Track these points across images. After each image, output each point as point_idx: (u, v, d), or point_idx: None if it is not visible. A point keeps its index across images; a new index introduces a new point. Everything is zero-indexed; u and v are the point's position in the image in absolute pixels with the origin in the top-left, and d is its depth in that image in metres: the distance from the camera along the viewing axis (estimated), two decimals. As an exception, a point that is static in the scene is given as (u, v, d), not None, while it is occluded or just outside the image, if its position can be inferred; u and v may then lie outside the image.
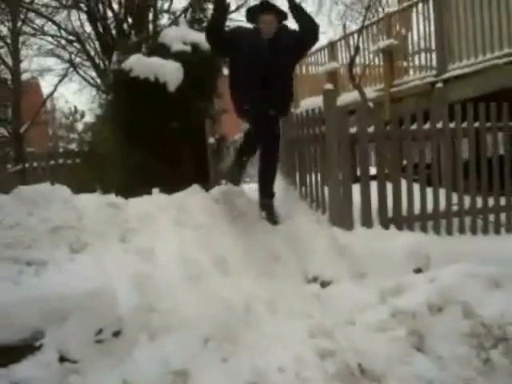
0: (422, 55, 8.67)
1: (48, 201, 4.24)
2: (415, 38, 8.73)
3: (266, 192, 5.26)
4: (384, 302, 3.98)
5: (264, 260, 4.57)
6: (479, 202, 5.59)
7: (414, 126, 5.37)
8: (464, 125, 5.52)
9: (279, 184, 5.65)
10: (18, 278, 3.58)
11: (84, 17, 13.73)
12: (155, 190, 4.95)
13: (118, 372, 3.35)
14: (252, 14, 5.09)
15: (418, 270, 4.65)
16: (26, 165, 10.35)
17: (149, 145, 5.98)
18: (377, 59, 9.02)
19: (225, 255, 4.35)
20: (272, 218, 5.16)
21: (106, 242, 4.12)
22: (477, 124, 5.57)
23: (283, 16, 5.08)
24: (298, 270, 4.76)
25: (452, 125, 5.45)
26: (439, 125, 5.38)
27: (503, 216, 5.71)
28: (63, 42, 15.03)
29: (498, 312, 3.71)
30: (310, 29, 5.01)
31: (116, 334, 3.50)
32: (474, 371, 3.61)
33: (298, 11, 5.03)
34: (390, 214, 5.20)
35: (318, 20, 5.12)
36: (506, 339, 3.64)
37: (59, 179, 4.65)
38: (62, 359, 3.32)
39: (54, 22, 13.86)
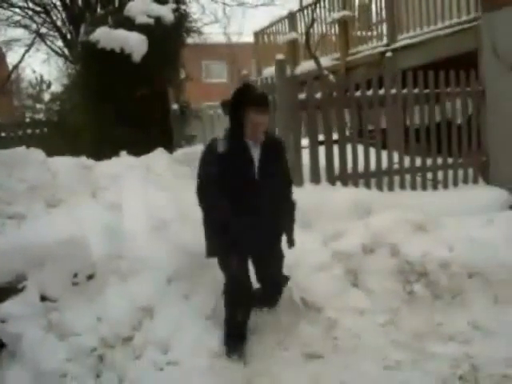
0: (378, 26, 9.15)
1: (25, 163, 4.66)
2: (373, 9, 9.22)
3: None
4: (325, 246, 4.55)
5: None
6: (418, 161, 6.18)
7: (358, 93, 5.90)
8: (404, 91, 6.07)
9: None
10: (1, 230, 4.04)
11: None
12: (123, 153, 5.38)
13: (92, 309, 3.80)
14: (239, 106, 3.64)
15: (361, 221, 5.21)
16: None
17: (116, 111, 6.37)
18: (333, 30, 9.48)
19: (186, 209, 4.79)
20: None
21: (78, 198, 4.57)
22: (416, 90, 6.11)
23: None
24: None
25: (393, 91, 5.99)
26: (381, 91, 5.92)
27: (440, 174, 6.31)
28: (30, 12, 15.10)
29: (421, 252, 4.33)
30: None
31: (90, 277, 3.95)
32: (400, 302, 4.24)
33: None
34: (337, 172, 5.75)
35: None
36: (427, 274, 4.27)
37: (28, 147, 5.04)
38: (43, 299, 3.77)
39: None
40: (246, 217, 3.59)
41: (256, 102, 3.62)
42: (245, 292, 3.73)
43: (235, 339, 3.76)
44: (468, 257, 4.35)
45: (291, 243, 3.94)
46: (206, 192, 3.65)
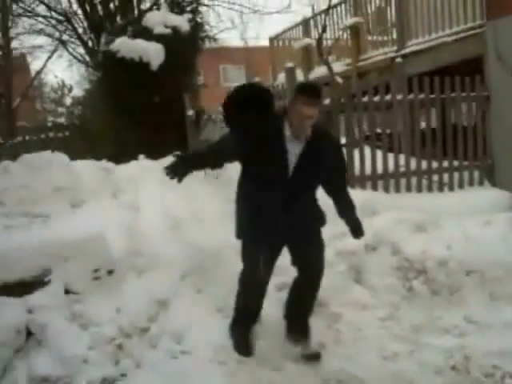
0: (388, 32, 9.36)
1: (49, 166, 4.99)
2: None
3: (301, 326, 3.86)
4: (330, 245, 4.78)
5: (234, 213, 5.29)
6: (424, 164, 6.39)
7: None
8: (411, 96, 6.31)
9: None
10: (29, 228, 4.36)
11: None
12: (141, 156, 5.69)
13: (112, 302, 4.06)
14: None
15: (367, 222, 5.44)
16: (19, 138, 10.81)
17: (135, 117, 6.72)
18: (345, 35, 9.71)
19: (201, 209, 5.09)
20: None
21: (99, 198, 4.88)
22: (422, 96, 6.34)
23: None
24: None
25: (399, 97, 6.23)
26: (387, 97, 6.16)
27: (446, 176, 6.52)
28: (53, 21, 15.63)
29: (420, 250, 4.57)
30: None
31: (110, 272, 4.22)
32: (399, 297, 4.49)
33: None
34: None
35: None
36: (426, 271, 4.51)
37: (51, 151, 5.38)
38: (67, 292, 4.05)
39: (43, 3, 14.50)
40: (273, 212, 3.43)
41: (306, 91, 3.31)
42: (259, 285, 3.71)
43: (242, 332, 3.81)
44: (465, 255, 4.58)
45: (356, 234, 3.80)
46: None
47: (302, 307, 3.88)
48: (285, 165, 3.39)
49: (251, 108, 3.43)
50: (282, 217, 3.45)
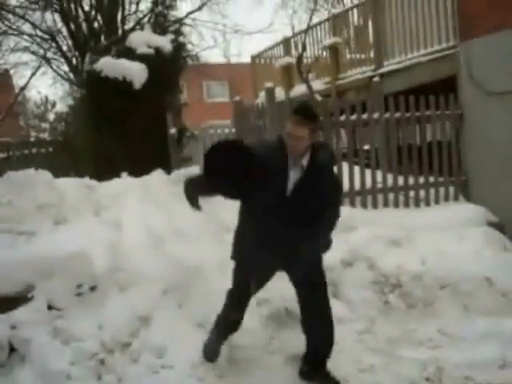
0: (366, 51, 9.56)
1: (34, 183, 5.06)
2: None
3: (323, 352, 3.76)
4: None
5: (215, 230, 5.39)
6: (401, 180, 6.55)
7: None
8: (387, 115, 6.50)
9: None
10: (13, 245, 4.42)
11: (57, 16, 14.56)
12: (124, 174, 5.78)
13: (94, 318, 4.11)
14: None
15: (345, 237, 5.57)
16: (3, 155, 10.74)
17: (117, 135, 6.83)
18: (324, 54, 9.92)
19: (182, 226, 5.17)
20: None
21: (82, 216, 4.95)
22: (398, 114, 6.53)
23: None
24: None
25: (376, 115, 6.41)
26: (364, 116, 6.34)
27: (422, 192, 6.69)
28: (38, 39, 15.77)
29: (395, 265, 4.71)
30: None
31: (92, 288, 4.28)
32: (376, 311, 4.62)
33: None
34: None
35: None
36: (400, 285, 4.66)
37: (34, 167, 5.39)
38: (50, 307, 4.11)
39: (29, 22, 14.65)
40: (268, 233, 3.34)
41: (296, 111, 3.28)
42: (244, 304, 3.77)
43: (219, 338, 3.91)
44: (440, 269, 4.74)
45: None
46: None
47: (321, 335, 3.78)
48: (283, 187, 3.34)
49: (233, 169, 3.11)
50: (277, 243, 3.36)
